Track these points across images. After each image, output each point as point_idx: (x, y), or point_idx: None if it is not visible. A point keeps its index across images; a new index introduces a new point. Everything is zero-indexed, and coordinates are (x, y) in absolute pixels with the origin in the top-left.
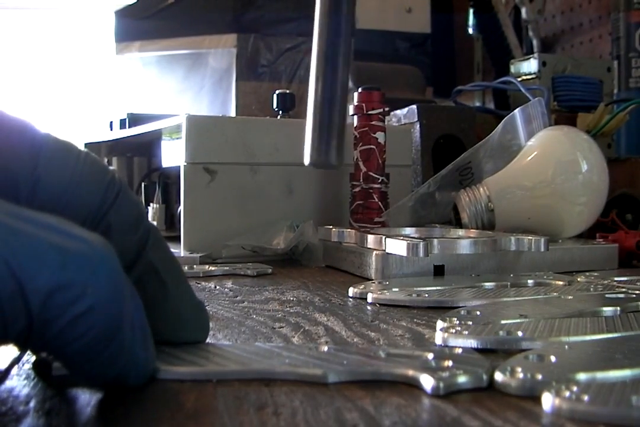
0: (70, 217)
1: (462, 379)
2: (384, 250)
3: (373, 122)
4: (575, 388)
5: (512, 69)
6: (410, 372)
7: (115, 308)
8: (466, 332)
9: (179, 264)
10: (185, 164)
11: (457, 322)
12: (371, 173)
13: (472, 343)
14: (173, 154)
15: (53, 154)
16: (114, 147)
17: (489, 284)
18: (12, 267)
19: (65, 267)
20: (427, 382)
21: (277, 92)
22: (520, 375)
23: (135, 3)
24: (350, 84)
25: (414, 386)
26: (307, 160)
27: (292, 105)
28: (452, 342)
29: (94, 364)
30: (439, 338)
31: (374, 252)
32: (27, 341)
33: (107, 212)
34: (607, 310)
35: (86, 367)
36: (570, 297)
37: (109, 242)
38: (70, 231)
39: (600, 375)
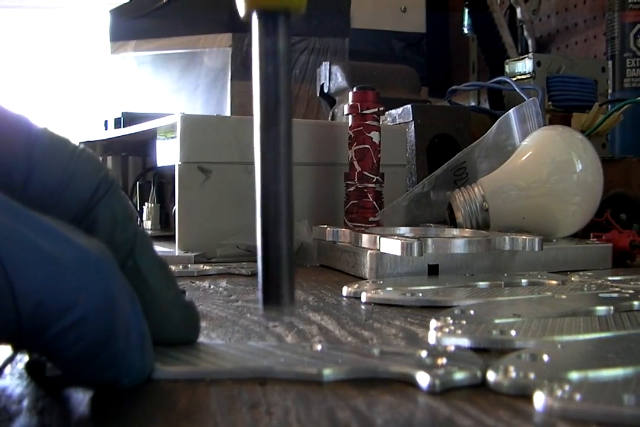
0: (62, 212)
1: (458, 376)
2: (379, 249)
3: (368, 122)
4: (567, 387)
5: (507, 68)
6: (406, 370)
7: (107, 319)
8: (460, 332)
9: (167, 266)
10: (180, 163)
11: (451, 321)
12: (366, 172)
13: (465, 342)
14: (168, 153)
15: (48, 147)
16: (109, 146)
17: (483, 284)
18: (5, 268)
19: (57, 276)
20: (423, 379)
21: None
22: (513, 374)
23: (130, 2)
24: (345, 84)
25: (408, 383)
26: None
27: None
28: (446, 341)
29: (87, 369)
30: (432, 337)
31: (368, 251)
32: (19, 344)
33: (94, 207)
34: (601, 309)
35: (79, 372)
36: (563, 296)
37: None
38: (67, 238)
39: (593, 374)
